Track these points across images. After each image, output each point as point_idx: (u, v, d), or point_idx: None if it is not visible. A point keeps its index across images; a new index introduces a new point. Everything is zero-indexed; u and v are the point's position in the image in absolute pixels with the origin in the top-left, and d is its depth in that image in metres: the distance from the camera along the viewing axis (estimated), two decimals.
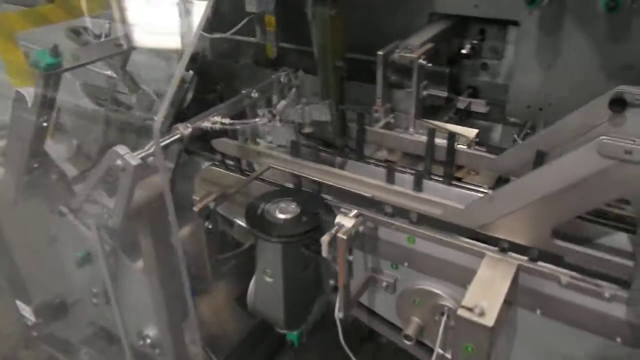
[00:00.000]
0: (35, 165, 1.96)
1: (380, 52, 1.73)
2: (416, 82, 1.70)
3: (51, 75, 1.61)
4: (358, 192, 1.49)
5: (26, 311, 2.12)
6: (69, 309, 2.27)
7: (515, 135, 1.79)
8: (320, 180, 1.58)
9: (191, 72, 1.91)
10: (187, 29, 1.67)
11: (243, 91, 1.65)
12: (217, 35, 1.74)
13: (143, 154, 1.38)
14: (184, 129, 1.41)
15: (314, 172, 1.60)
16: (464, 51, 2.02)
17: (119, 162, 1.40)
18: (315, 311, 1.73)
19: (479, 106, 2.02)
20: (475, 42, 2.02)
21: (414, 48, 1.74)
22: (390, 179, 1.51)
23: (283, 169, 1.64)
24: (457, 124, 1.85)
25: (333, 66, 1.89)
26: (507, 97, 1.98)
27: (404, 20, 2.05)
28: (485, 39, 2.04)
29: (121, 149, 1.39)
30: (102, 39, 1.88)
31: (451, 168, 1.55)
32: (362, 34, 1.97)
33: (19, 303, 2.11)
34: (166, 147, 1.42)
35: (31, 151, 1.90)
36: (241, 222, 1.73)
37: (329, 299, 1.74)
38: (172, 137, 1.41)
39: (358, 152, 1.68)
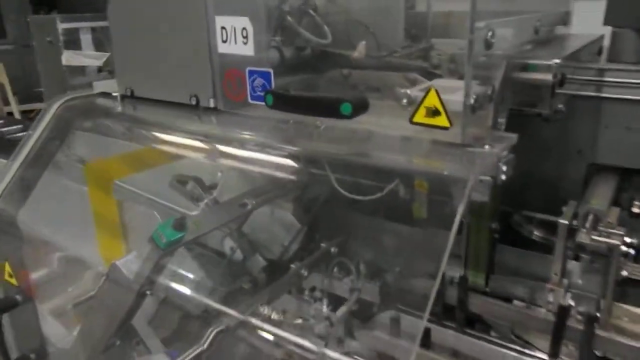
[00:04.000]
0: (118, 342, 1.61)
1: (564, 222, 1.41)
2: (614, 267, 1.36)
3: (169, 252, 1.30)
4: None
5: None
6: None
7: None
8: None
9: None
10: None
11: None
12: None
13: None
14: None
15: None
16: (635, 210, 1.70)
17: None
18: None
19: None
20: None
21: (603, 217, 1.41)
22: None
23: None
24: None
25: (487, 229, 1.57)
26: None
27: (556, 170, 1.75)
28: None
29: None
30: (216, 191, 1.59)
31: None
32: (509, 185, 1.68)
33: None
34: None
35: (118, 327, 1.55)
36: None
37: None
38: None
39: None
